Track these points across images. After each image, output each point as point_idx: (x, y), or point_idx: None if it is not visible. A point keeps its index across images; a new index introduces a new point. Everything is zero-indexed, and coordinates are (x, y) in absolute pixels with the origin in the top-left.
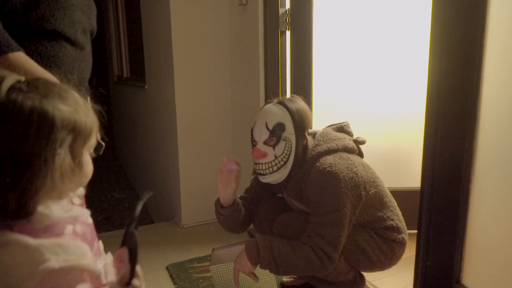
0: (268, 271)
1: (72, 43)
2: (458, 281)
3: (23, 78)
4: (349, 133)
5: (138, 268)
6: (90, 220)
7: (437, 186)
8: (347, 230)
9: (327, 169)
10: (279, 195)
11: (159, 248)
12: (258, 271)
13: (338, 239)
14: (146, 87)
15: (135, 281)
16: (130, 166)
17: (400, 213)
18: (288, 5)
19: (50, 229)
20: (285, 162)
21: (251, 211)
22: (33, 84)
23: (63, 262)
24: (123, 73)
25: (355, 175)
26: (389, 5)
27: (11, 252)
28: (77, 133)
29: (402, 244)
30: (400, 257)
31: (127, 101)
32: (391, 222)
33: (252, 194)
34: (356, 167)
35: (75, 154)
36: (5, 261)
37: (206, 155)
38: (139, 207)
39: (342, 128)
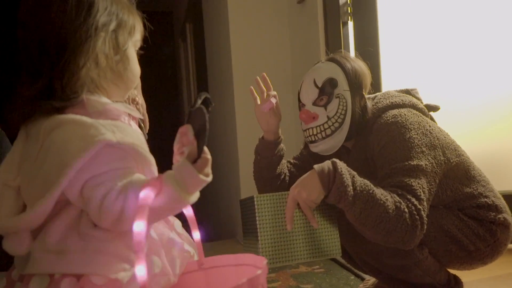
0: (332, 224)
1: None
2: None
3: None
4: (418, 99)
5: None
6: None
7: None
8: (434, 185)
9: (390, 120)
10: None
11: None
12: (319, 215)
13: (421, 187)
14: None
15: (205, 154)
16: None
17: (495, 189)
18: None
19: (104, 113)
20: (340, 124)
21: (293, 175)
22: None
23: (120, 138)
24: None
25: (429, 132)
26: None
27: (66, 129)
28: (120, 21)
29: (504, 226)
30: (505, 244)
31: None
32: (485, 200)
33: (299, 161)
34: (429, 125)
35: (119, 42)
36: (59, 139)
37: None
38: (202, 95)
39: (408, 92)
